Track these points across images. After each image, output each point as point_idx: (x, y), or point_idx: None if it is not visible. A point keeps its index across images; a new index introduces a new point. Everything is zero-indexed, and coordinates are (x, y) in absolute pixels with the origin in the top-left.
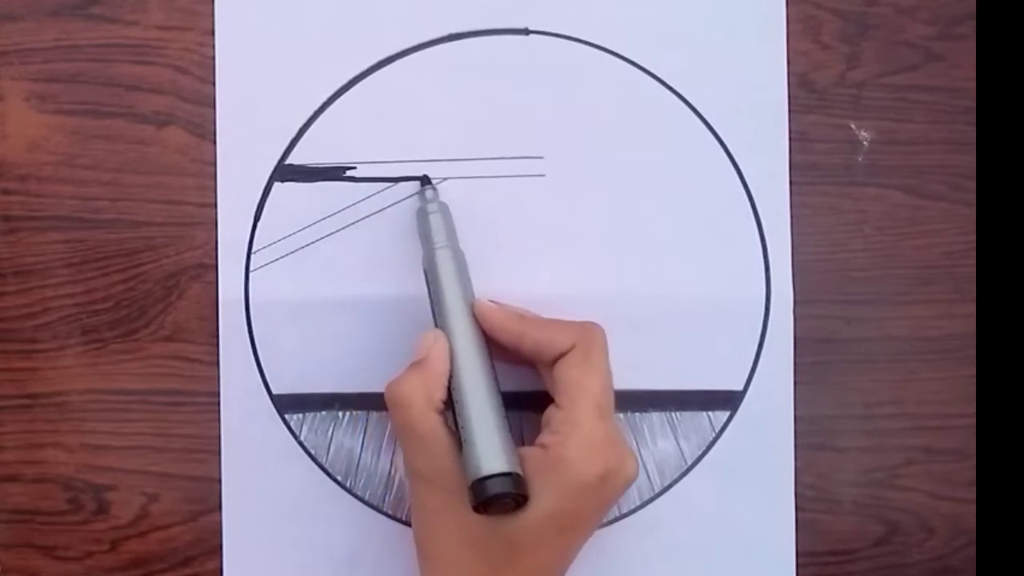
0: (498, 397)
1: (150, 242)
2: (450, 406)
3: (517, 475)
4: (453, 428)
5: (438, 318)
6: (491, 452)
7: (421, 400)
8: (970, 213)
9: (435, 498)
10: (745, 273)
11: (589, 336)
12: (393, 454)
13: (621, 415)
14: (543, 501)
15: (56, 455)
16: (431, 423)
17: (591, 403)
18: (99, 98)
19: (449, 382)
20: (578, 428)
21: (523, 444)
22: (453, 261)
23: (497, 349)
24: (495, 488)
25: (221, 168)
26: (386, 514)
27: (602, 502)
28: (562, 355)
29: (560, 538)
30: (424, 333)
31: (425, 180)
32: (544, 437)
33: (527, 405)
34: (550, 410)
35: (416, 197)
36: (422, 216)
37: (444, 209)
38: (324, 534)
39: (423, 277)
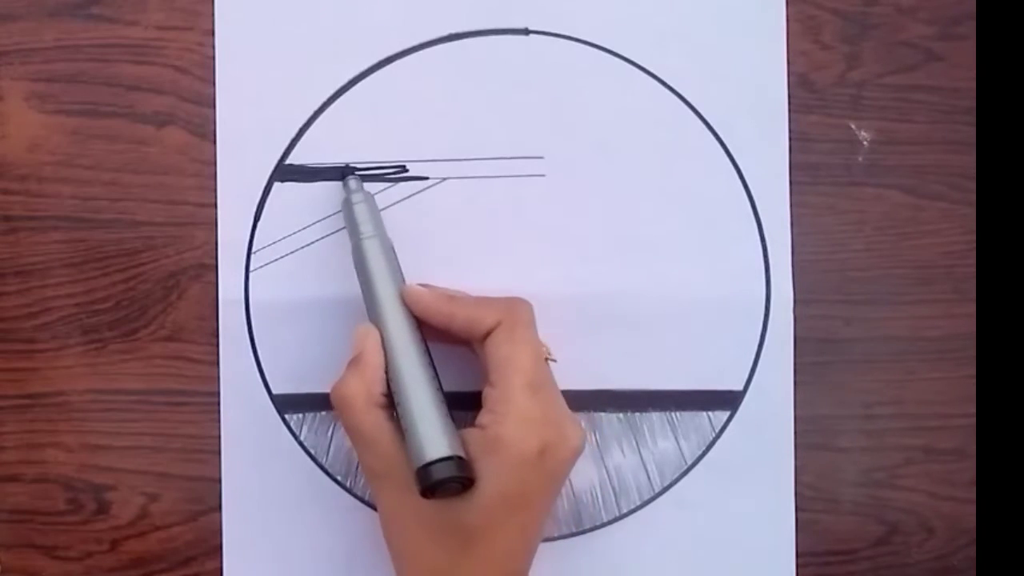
0: (436, 382)
1: (150, 242)
2: (391, 398)
3: (460, 458)
4: (397, 421)
5: (370, 310)
6: (432, 437)
7: (361, 398)
8: (970, 213)
9: (390, 493)
10: (745, 273)
11: (514, 312)
12: None
13: (621, 415)
14: (488, 482)
15: (56, 455)
16: (374, 419)
17: (522, 380)
18: (99, 98)
19: (387, 374)
20: (512, 406)
21: None
22: (381, 250)
23: (433, 333)
24: (440, 473)
25: (221, 168)
26: None
27: (548, 476)
28: (490, 332)
29: (513, 517)
30: (356, 328)
31: (347, 171)
32: (482, 417)
33: (473, 405)
34: (485, 389)
35: (341, 189)
36: (347, 207)
37: (369, 199)
38: (324, 534)
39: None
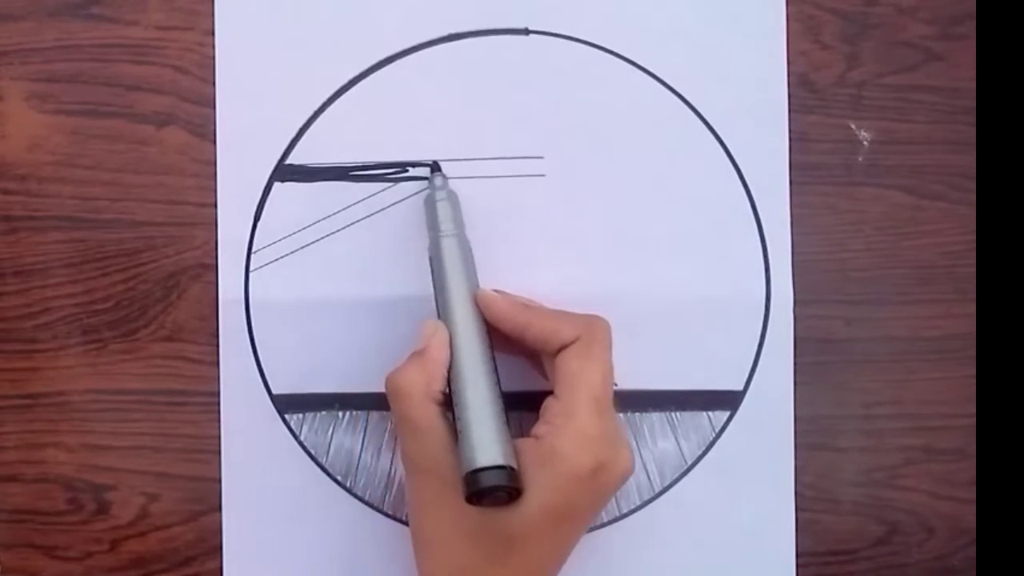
0: (497, 389)
1: (150, 242)
2: (449, 396)
3: (511, 468)
4: (451, 419)
5: (440, 307)
6: (486, 444)
7: (420, 390)
8: (970, 213)
9: (430, 488)
10: (745, 273)
11: (593, 329)
12: (393, 454)
13: (621, 415)
14: (536, 493)
15: (56, 455)
16: (428, 413)
17: (588, 395)
18: (99, 98)
19: (448, 372)
20: (572, 420)
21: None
22: (459, 249)
23: (500, 340)
24: (488, 480)
25: (221, 168)
26: (386, 514)
27: (596, 495)
28: (565, 346)
29: (555, 530)
30: (425, 322)
31: (435, 167)
32: (538, 427)
33: (530, 405)
34: (548, 400)
35: (427, 184)
36: (430, 203)
37: (452, 197)
38: (324, 534)
39: (428, 266)
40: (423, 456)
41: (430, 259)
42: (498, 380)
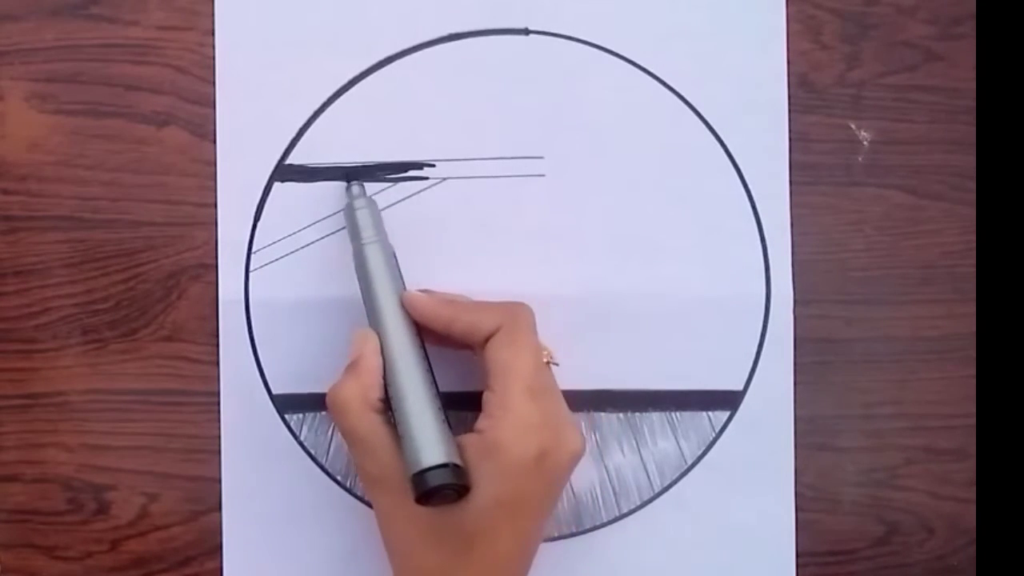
0: (434, 388)
1: (150, 242)
2: (388, 403)
3: (456, 465)
4: (394, 426)
5: (370, 314)
6: (428, 444)
7: (358, 402)
8: (970, 213)
9: (387, 497)
10: (745, 273)
11: (514, 316)
12: None
13: (621, 415)
14: (485, 487)
15: (56, 455)
16: (370, 424)
17: (520, 384)
18: (99, 98)
19: (384, 378)
20: (510, 411)
21: None
22: (382, 255)
23: (434, 338)
24: (434, 480)
25: (221, 168)
26: None
27: (546, 482)
28: (490, 337)
29: (511, 522)
30: (355, 332)
31: (351, 175)
32: (480, 422)
33: (472, 405)
34: (485, 394)
35: (343, 193)
36: (349, 212)
37: (371, 204)
38: (324, 534)
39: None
40: (373, 466)
41: (355, 268)
42: (434, 380)
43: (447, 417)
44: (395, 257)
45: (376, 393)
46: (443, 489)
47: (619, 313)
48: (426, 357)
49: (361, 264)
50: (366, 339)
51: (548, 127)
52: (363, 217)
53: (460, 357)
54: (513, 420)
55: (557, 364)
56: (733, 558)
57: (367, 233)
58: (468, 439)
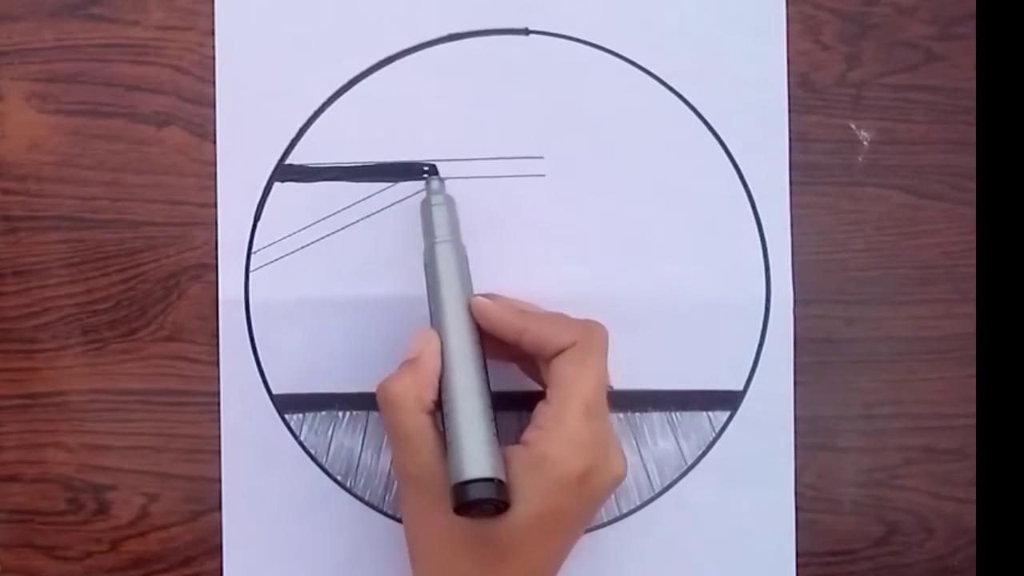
0: (488, 399)
1: (150, 242)
2: (440, 406)
3: (499, 481)
4: (442, 429)
5: (434, 314)
6: (474, 456)
7: (411, 400)
8: (970, 213)
9: (422, 499)
10: (745, 273)
11: (590, 335)
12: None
13: (621, 415)
14: (526, 500)
15: (56, 455)
16: (420, 423)
17: (580, 401)
18: (99, 98)
19: (440, 382)
20: (562, 425)
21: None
22: (454, 256)
23: (494, 345)
24: (476, 493)
25: (221, 168)
26: (386, 514)
27: (586, 500)
28: (561, 351)
29: (547, 538)
30: (417, 330)
31: (432, 171)
32: (528, 433)
33: (526, 405)
34: (539, 405)
35: (423, 188)
36: (425, 208)
37: (449, 202)
38: (324, 534)
39: (423, 272)
40: (414, 466)
41: (425, 265)
42: (490, 390)
43: (497, 428)
44: (467, 259)
45: (430, 395)
46: (483, 503)
47: (619, 313)
48: (485, 367)
49: (431, 263)
50: (429, 339)
51: (548, 127)
52: (439, 214)
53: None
54: (564, 435)
55: (612, 389)
56: (733, 558)
57: (441, 231)
58: (514, 451)
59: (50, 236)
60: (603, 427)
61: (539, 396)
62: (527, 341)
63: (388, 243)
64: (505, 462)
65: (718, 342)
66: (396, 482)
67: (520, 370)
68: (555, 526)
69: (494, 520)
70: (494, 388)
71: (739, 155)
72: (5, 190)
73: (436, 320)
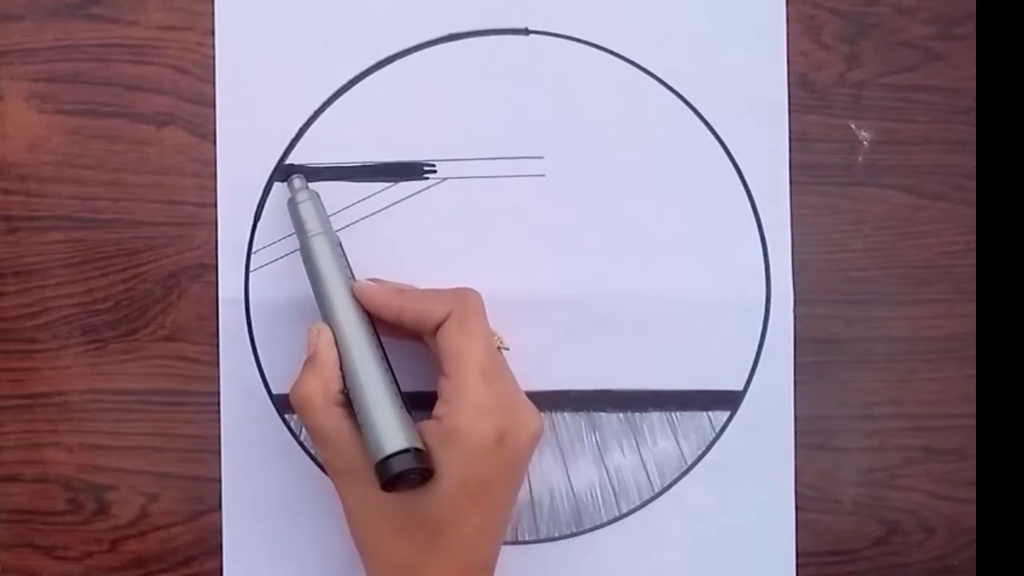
0: (390, 376)
1: (150, 242)
2: (347, 395)
3: (418, 449)
4: (355, 418)
5: (321, 307)
6: (389, 431)
7: (319, 397)
8: (970, 213)
9: (354, 490)
10: (745, 273)
11: (464, 302)
12: None
13: (621, 415)
14: (448, 472)
15: (56, 455)
16: (333, 418)
17: (474, 369)
18: (99, 98)
19: (341, 371)
20: (466, 395)
21: None
22: (328, 247)
23: (387, 327)
24: (398, 466)
25: (221, 168)
26: None
27: (508, 464)
28: (440, 324)
29: (476, 507)
30: (308, 327)
31: (290, 171)
32: (438, 408)
33: (432, 404)
34: (440, 380)
35: (285, 188)
36: (292, 206)
37: (314, 196)
38: (324, 534)
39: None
40: (339, 460)
41: (303, 262)
42: (390, 367)
43: (406, 405)
44: (342, 248)
45: (336, 386)
46: (407, 474)
47: (619, 313)
48: (381, 346)
49: (308, 257)
50: (320, 333)
51: (548, 127)
52: (306, 210)
53: (417, 355)
54: (470, 404)
55: (507, 348)
56: (733, 558)
57: (312, 225)
58: (427, 426)
59: (50, 236)
60: (506, 388)
61: None
62: (407, 319)
63: (388, 243)
64: (421, 437)
65: (718, 342)
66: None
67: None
68: (481, 494)
69: (423, 496)
70: (405, 390)
71: (739, 155)
72: (5, 190)
73: (325, 312)
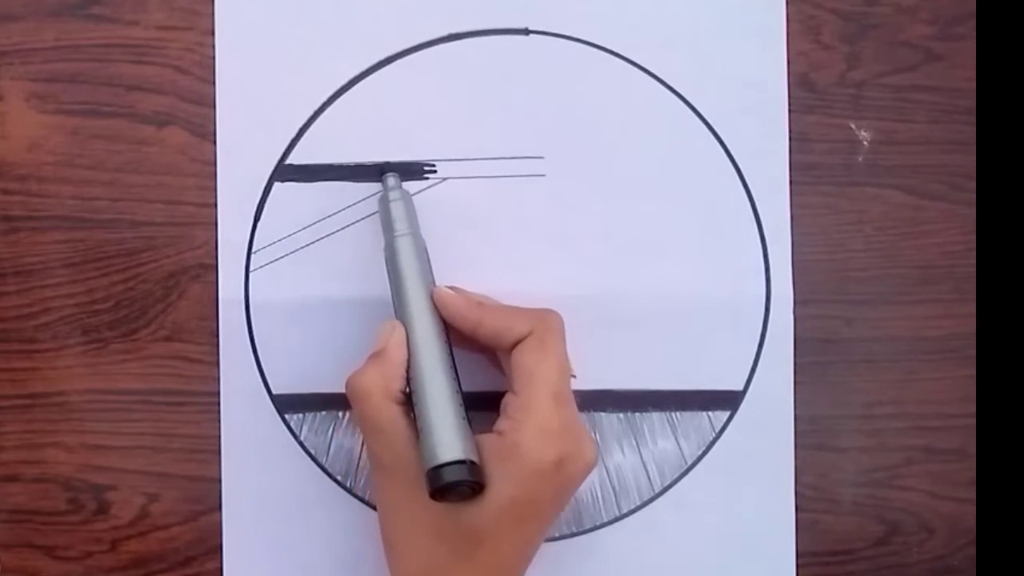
0: (456, 385)
1: (150, 242)
2: (409, 396)
3: (472, 463)
4: (413, 418)
5: (397, 307)
6: (446, 440)
7: (379, 391)
8: (970, 213)
9: (396, 488)
10: (745, 273)
11: (545, 323)
12: None
13: (621, 415)
14: (500, 488)
15: (56, 455)
16: (390, 414)
17: (546, 389)
18: (99, 98)
19: (407, 371)
20: (533, 414)
21: None
22: (414, 249)
23: (459, 337)
24: (450, 476)
25: (221, 168)
26: None
27: (559, 489)
28: (519, 342)
29: (520, 526)
30: (382, 323)
31: (385, 169)
32: (500, 424)
33: (494, 405)
34: (507, 397)
35: (380, 185)
36: (383, 204)
37: (406, 197)
38: (324, 534)
39: (384, 267)
40: (387, 456)
41: (386, 260)
42: (457, 376)
43: (468, 415)
44: (427, 252)
45: (398, 384)
46: (458, 485)
47: (619, 313)
48: (451, 354)
49: (392, 256)
50: (393, 329)
51: (548, 127)
52: (397, 209)
53: (482, 358)
54: (535, 424)
55: (575, 377)
56: (733, 558)
57: (400, 225)
58: (487, 439)
59: (50, 236)
60: (572, 414)
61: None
62: (483, 333)
63: None
64: (478, 450)
65: (718, 342)
66: (371, 474)
67: (492, 365)
68: (529, 513)
69: (469, 507)
70: (467, 390)
71: (739, 155)
72: (5, 190)
73: (400, 312)
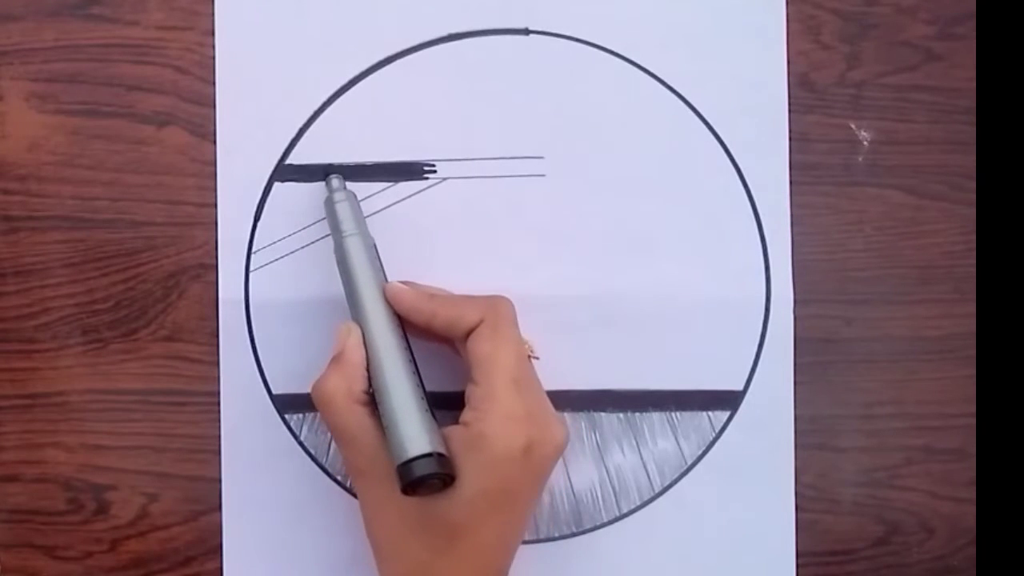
0: (416, 379)
1: (150, 242)
2: (373, 395)
3: (441, 454)
4: (379, 418)
5: (352, 307)
6: (412, 434)
7: (342, 395)
8: (970, 213)
9: (373, 490)
10: (745, 273)
11: (495, 309)
12: None
13: (621, 415)
14: (470, 479)
15: (56, 455)
16: (356, 416)
17: (505, 376)
18: (99, 98)
19: (368, 371)
20: (496, 403)
21: None
22: (363, 247)
23: (416, 331)
24: (420, 470)
25: (221, 168)
26: None
27: (532, 474)
28: (472, 330)
29: (496, 515)
30: (338, 325)
31: (329, 170)
32: (465, 414)
33: (459, 405)
34: (469, 387)
35: (323, 187)
36: (329, 205)
37: (351, 197)
38: (324, 534)
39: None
40: (360, 459)
41: (337, 262)
42: (418, 371)
43: (432, 409)
44: (376, 249)
45: (360, 385)
46: (429, 479)
47: (619, 313)
48: (409, 348)
49: (342, 257)
50: (349, 332)
51: (548, 127)
52: (343, 210)
53: (444, 356)
54: (499, 412)
55: (538, 358)
56: (733, 558)
57: (347, 226)
58: (454, 431)
59: (50, 236)
60: (536, 398)
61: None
62: (437, 324)
63: (388, 243)
64: (445, 443)
65: (718, 342)
66: (350, 480)
67: (456, 356)
68: (502, 501)
69: (443, 502)
70: (431, 389)
71: (739, 155)
72: (5, 190)
73: (355, 312)
